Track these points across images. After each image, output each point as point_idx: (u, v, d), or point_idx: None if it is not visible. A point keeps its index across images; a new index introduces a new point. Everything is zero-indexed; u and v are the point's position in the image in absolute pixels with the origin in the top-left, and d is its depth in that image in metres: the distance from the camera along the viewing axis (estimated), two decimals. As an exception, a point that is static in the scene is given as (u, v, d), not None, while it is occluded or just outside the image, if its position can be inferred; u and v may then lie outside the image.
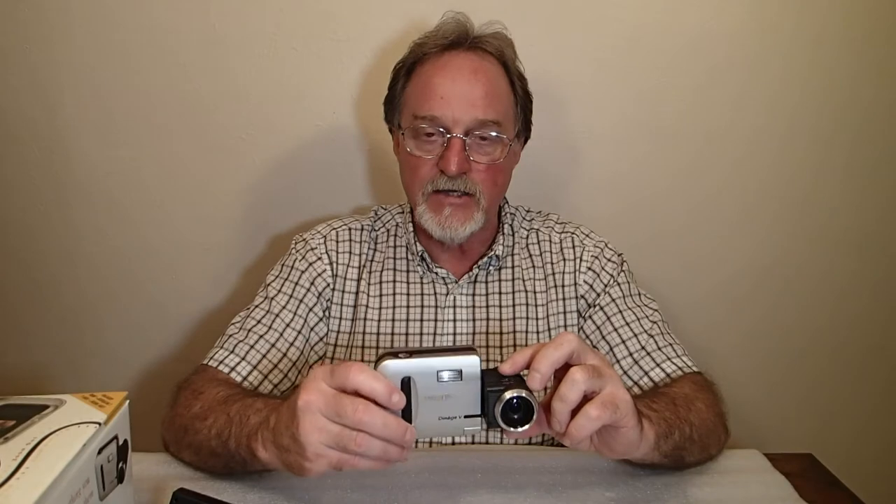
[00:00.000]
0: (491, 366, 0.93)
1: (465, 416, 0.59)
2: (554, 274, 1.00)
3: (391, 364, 0.58)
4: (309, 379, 0.59)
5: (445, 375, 0.58)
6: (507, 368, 0.60)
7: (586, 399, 0.59)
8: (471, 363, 0.59)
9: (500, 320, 0.97)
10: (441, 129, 0.90)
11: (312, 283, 0.97)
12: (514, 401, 0.58)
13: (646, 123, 1.27)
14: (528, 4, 1.20)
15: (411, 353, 0.59)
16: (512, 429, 0.58)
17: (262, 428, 0.65)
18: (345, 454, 0.57)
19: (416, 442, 0.59)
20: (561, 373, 0.60)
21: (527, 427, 0.58)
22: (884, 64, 1.24)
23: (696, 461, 0.77)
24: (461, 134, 0.90)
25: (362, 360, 0.95)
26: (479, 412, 0.59)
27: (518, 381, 0.59)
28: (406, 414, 0.58)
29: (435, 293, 0.98)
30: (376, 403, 0.56)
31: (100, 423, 0.51)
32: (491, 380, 0.60)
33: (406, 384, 0.58)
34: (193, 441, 0.73)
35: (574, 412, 0.58)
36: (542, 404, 0.60)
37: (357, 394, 0.57)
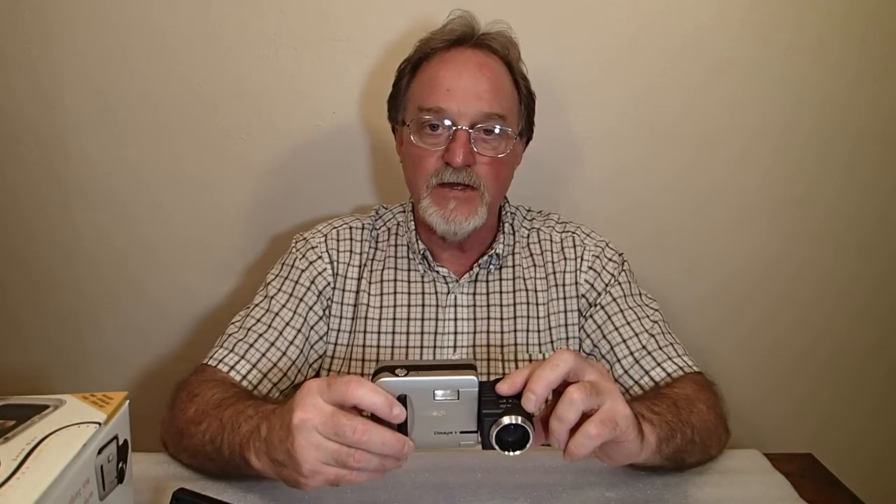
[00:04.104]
0: (491, 367, 0.94)
1: (462, 432, 0.59)
2: (555, 273, 1.00)
3: (387, 382, 0.58)
4: (304, 394, 0.58)
5: (442, 395, 0.58)
6: (505, 389, 0.59)
7: (586, 415, 0.58)
8: (468, 383, 0.58)
9: (501, 319, 0.97)
10: (446, 122, 0.90)
11: (313, 282, 0.97)
12: (511, 427, 0.57)
13: (646, 123, 1.27)
14: (529, 4, 1.20)
15: (408, 369, 0.58)
16: (507, 452, 0.58)
17: (253, 437, 0.64)
18: (341, 470, 0.57)
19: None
20: (561, 388, 0.59)
21: (521, 452, 0.58)
22: (884, 64, 1.24)
23: (696, 462, 0.77)
24: (466, 126, 0.90)
25: (363, 360, 0.95)
26: (474, 429, 0.59)
27: (515, 401, 0.59)
28: (402, 429, 0.58)
29: (436, 292, 0.98)
30: (374, 418, 0.57)
31: (100, 423, 0.51)
32: (488, 398, 0.59)
33: (402, 401, 0.58)
34: (189, 445, 0.73)
35: (574, 428, 0.58)
36: (541, 419, 0.60)
37: (356, 408, 0.57)
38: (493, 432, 0.57)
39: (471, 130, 0.90)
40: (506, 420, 0.57)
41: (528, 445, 0.58)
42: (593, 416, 0.58)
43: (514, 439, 0.58)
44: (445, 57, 0.94)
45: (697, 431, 0.74)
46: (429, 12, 1.17)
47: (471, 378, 0.58)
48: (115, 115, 1.26)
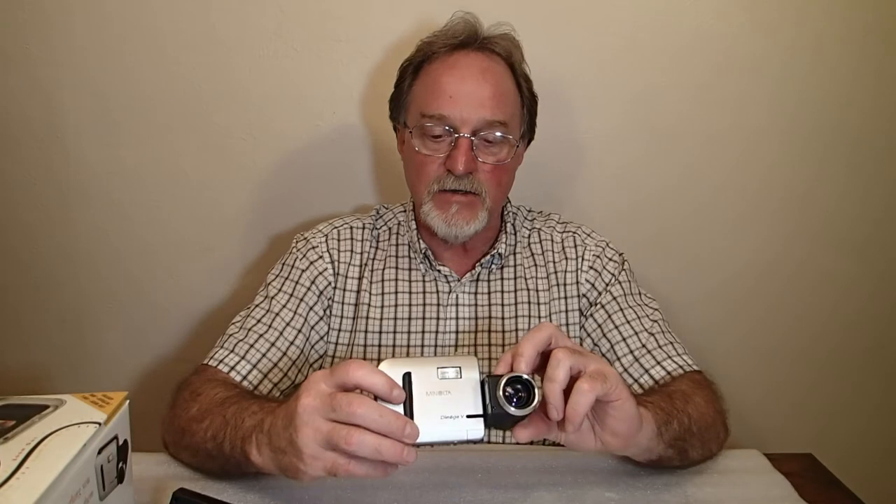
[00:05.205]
0: (493, 367, 0.94)
1: (468, 416, 0.59)
2: (556, 273, 1.00)
3: (391, 362, 0.59)
4: (308, 382, 0.59)
5: (445, 373, 0.59)
6: (501, 369, 0.61)
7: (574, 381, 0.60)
8: (469, 363, 0.60)
9: (503, 318, 0.97)
10: (449, 129, 0.90)
11: (313, 282, 0.97)
12: (513, 383, 0.59)
13: (646, 123, 1.27)
14: (529, 4, 1.20)
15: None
16: (516, 409, 0.59)
17: (256, 431, 0.64)
18: (340, 458, 0.57)
19: (419, 446, 0.58)
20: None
21: (532, 406, 0.59)
22: (884, 64, 1.24)
23: (698, 456, 0.77)
24: (468, 134, 0.90)
25: (363, 359, 0.95)
26: (480, 412, 0.59)
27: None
28: (407, 412, 0.58)
29: (437, 291, 0.98)
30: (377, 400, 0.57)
31: (100, 423, 0.51)
32: (489, 377, 0.61)
33: (406, 380, 0.58)
34: (191, 443, 0.73)
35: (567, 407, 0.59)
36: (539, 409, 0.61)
37: (358, 390, 0.57)
38: (499, 392, 0.59)
39: (473, 138, 0.90)
40: (508, 375, 0.59)
41: (535, 398, 0.59)
42: (582, 376, 0.59)
43: (520, 396, 0.59)
44: (448, 61, 0.93)
45: (695, 422, 0.74)
46: (429, 13, 1.18)
47: (471, 357, 0.61)
48: (114, 115, 1.26)
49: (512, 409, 0.58)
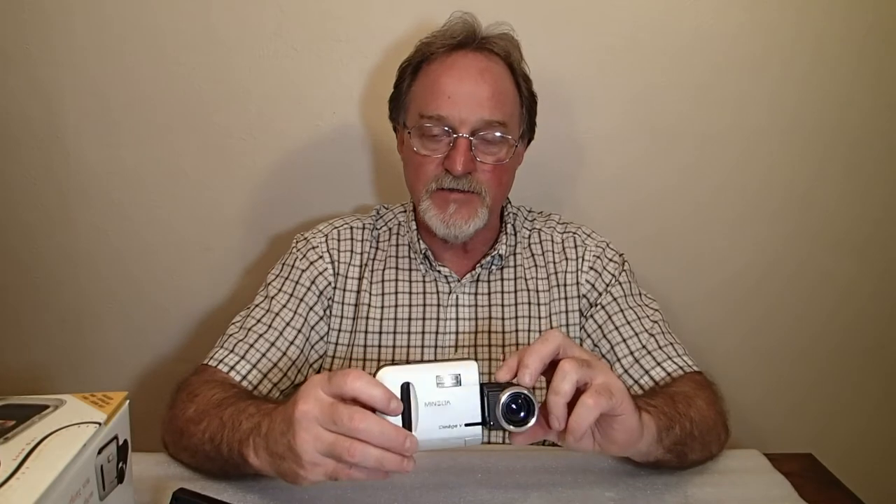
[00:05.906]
0: (492, 367, 0.94)
1: (466, 425, 0.59)
2: (556, 273, 1.00)
3: (390, 370, 0.58)
4: (306, 387, 0.58)
5: (444, 381, 0.59)
6: (503, 375, 0.61)
7: (580, 393, 0.59)
8: (469, 369, 0.59)
9: (503, 319, 0.97)
10: (447, 129, 0.90)
11: (313, 282, 0.97)
12: (513, 400, 0.58)
13: (646, 123, 1.27)
14: (529, 4, 1.20)
15: (410, 364, 0.60)
16: (514, 427, 0.58)
17: (253, 434, 0.64)
18: (340, 464, 0.57)
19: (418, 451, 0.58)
20: (552, 374, 0.60)
21: (528, 425, 0.58)
22: (884, 64, 1.24)
23: (698, 458, 0.77)
24: (467, 134, 0.90)
25: (363, 360, 0.95)
26: (479, 420, 0.59)
27: (513, 382, 0.60)
28: (406, 422, 0.58)
29: (437, 292, 0.98)
30: (374, 411, 0.56)
31: (100, 423, 0.51)
32: (489, 385, 0.60)
33: (405, 390, 0.58)
34: (189, 444, 0.73)
35: (570, 411, 0.58)
36: (539, 409, 0.60)
37: (355, 401, 0.57)
38: (498, 408, 0.58)
39: (471, 138, 0.90)
40: (509, 391, 0.58)
41: (534, 416, 0.58)
42: (588, 389, 0.59)
43: (520, 415, 0.59)
44: (447, 62, 0.93)
45: (696, 425, 0.74)
46: (429, 13, 1.17)
47: (471, 364, 0.60)
48: (114, 115, 1.26)
49: (511, 428, 0.58)
